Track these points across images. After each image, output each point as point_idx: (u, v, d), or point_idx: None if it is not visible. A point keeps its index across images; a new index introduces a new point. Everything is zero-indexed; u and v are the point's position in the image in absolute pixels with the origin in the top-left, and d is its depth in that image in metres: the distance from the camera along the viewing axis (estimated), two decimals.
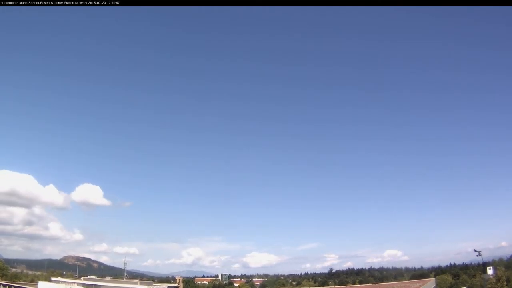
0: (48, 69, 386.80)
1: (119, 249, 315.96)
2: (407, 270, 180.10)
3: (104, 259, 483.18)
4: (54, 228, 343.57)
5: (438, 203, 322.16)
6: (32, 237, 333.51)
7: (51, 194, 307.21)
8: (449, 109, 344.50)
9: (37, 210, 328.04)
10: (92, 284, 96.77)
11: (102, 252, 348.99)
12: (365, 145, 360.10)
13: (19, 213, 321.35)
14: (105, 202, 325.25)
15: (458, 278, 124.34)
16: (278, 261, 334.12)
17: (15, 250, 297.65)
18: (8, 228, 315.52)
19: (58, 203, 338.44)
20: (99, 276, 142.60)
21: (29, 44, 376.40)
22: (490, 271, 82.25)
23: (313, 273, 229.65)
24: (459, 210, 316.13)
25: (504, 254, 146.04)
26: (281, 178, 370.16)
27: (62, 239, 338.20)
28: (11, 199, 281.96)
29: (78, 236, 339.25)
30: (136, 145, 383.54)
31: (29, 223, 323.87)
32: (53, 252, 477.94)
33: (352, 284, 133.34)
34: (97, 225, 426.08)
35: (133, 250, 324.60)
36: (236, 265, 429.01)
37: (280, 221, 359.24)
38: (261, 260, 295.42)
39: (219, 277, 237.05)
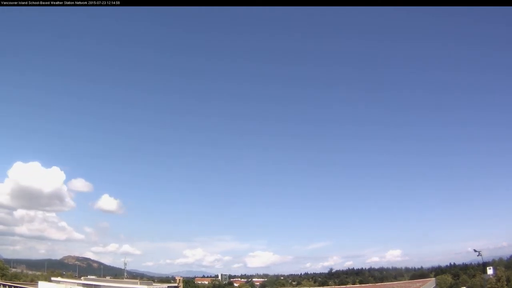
0: (47, 70, 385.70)
1: (125, 249, 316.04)
2: (407, 270, 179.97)
3: (108, 259, 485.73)
4: (62, 229, 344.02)
5: (438, 203, 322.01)
6: (38, 238, 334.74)
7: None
8: (449, 109, 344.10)
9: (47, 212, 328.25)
10: (92, 284, 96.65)
11: (105, 252, 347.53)
12: (368, 145, 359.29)
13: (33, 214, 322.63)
14: (119, 208, 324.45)
15: (458, 278, 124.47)
16: (282, 261, 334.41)
17: (15, 250, 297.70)
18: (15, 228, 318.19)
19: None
20: (99, 276, 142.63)
21: (28, 45, 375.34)
22: (490, 271, 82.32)
23: (313, 273, 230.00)
24: (459, 210, 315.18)
25: (504, 254, 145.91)
26: (290, 178, 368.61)
27: (68, 240, 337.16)
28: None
29: (83, 236, 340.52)
30: (140, 146, 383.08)
31: (37, 223, 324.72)
32: (53, 252, 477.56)
33: (352, 284, 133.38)
34: (105, 226, 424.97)
35: (138, 250, 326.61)
36: (236, 265, 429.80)
37: (291, 220, 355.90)
38: (268, 259, 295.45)
39: (219, 277, 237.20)
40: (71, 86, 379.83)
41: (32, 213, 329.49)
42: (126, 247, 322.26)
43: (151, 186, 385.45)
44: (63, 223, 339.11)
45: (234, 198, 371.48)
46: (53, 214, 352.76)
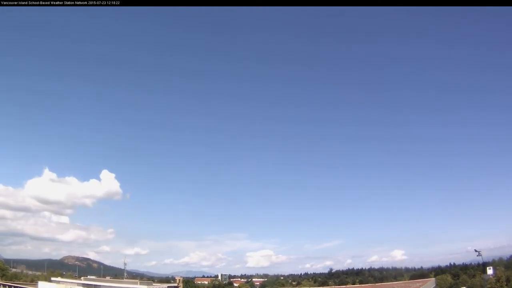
0: (47, 70, 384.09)
1: (132, 249, 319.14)
2: (407, 270, 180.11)
3: (108, 260, 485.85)
4: (67, 230, 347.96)
5: (438, 203, 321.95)
6: (43, 239, 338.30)
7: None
8: (449, 109, 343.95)
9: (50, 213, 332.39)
10: (92, 284, 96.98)
11: (107, 252, 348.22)
12: (367, 146, 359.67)
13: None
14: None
15: (458, 278, 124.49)
16: (288, 260, 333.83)
17: (15, 250, 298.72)
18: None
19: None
20: (99, 276, 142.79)
21: (28, 45, 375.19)
22: (490, 271, 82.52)
23: (313, 273, 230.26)
24: (459, 210, 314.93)
25: (504, 254, 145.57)
26: (304, 179, 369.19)
27: (73, 241, 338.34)
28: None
29: (90, 236, 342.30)
30: (146, 146, 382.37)
31: (44, 224, 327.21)
32: (53, 252, 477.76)
33: (352, 284, 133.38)
34: (114, 226, 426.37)
35: (145, 250, 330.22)
36: (238, 265, 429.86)
37: (303, 220, 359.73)
38: (277, 258, 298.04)
39: (219, 277, 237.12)
40: (71, 87, 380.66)
41: (41, 213, 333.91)
42: (132, 247, 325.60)
43: (160, 186, 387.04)
44: (69, 224, 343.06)
45: (249, 198, 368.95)
46: (60, 215, 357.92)
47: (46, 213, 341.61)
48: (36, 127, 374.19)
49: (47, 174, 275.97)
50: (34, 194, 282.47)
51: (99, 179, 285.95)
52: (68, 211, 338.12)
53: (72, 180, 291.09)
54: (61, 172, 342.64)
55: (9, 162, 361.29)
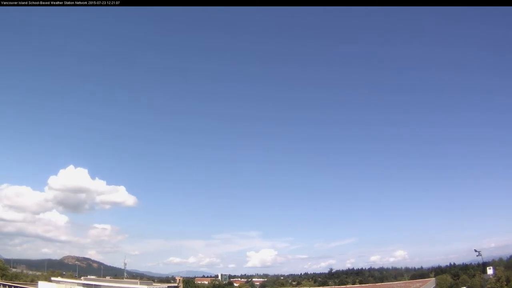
0: (46, 71, 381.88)
1: (139, 249, 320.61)
2: (407, 270, 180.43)
3: (108, 260, 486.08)
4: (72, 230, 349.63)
5: (438, 203, 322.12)
6: (49, 240, 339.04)
7: None
8: (449, 109, 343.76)
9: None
10: (92, 284, 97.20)
11: (110, 251, 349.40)
12: (366, 146, 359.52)
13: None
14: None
15: (458, 278, 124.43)
16: (290, 259, 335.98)
17: (15, 250, 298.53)
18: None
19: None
20: (99, 276, 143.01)
21: (27, 45, 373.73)
22: (490, 271, 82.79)
23: (313, 273, 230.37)
24: (459, 210, 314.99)
25: (504, 254, 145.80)
26: (315, 180, 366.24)
27: (77, 241, 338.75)
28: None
29: (93, 236, 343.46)
30: (152, 147, 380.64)
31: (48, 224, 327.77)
32: (53, 252, 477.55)
33: (352, 284, 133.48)
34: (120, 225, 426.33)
35: (149, 250, 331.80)
36: (238, 265, 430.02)
37: (314, 220, 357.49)
38: (280, 258, 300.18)
39: (219, 277, 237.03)
40: (72, 87, 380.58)
41: (51, 214, 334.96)
42: (138, 247, 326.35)
43: (170, 187, 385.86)
44: (80, 224, 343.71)
45: (262, 198, 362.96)
46: (70, 216, 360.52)
47: (57, 214, 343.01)
48: (45, 128, 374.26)
49: (59, 176, 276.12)
50: (47, 195, 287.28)
51: (112, 184, 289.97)
52: (78, 212, 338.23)
53: (82, 182, 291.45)
54: (74, 174, 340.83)
55: (26, 163, 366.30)
